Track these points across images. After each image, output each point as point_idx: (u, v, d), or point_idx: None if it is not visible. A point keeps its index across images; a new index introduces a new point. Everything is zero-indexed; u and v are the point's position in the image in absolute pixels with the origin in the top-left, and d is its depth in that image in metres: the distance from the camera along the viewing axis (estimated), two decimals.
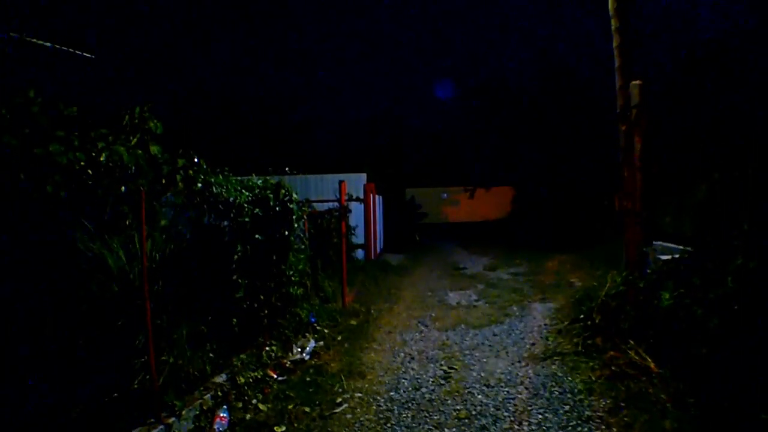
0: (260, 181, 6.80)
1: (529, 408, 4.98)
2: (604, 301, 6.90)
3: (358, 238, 15.27)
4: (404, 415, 4.96)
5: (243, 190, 6.19)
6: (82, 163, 3.45)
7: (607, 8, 7.28)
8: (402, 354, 6.79)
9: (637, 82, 6.82)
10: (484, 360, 6.42)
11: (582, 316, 7.31)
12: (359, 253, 15.39)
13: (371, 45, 52.25)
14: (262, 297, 6.35)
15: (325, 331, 7.77)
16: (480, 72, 43.10)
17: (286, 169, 8.96)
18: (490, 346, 6.98)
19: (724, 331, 4.70)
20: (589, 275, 11.28)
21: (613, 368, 5.60)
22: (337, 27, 49.43)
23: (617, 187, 7.30)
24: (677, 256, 6.70)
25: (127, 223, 4.68)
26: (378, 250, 17.66)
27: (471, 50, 49.38)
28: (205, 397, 4.82)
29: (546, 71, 25.29)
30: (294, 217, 7.03)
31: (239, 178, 6.52)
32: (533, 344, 6.95)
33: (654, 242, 7.74)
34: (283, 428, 4.80)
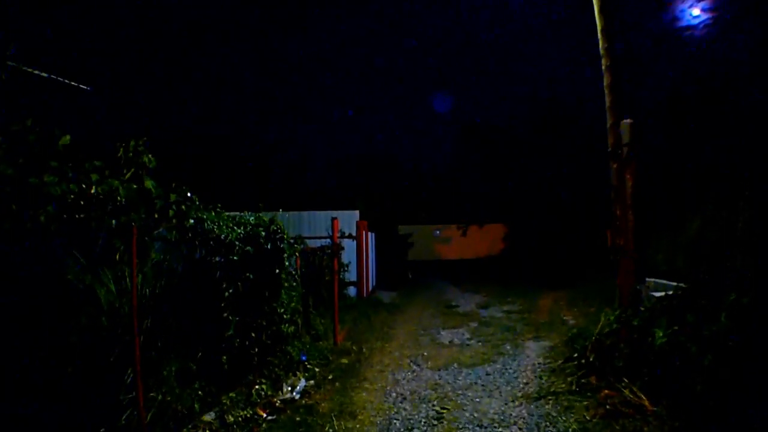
0: (252, 217, 6.79)
1: None
2: (597, 339, 6.85)
3: (351, 275, 15.16)
4: None
5: (235, 227, 6.18)
6: (72, 197, 3.44)
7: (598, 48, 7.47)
8: (394, 394, 6.67)
9: (628, 120, 6.92)
10: (477, 400, 6.32)
11: (576, 354, 7.25)
12: (351, 291, 15.27)
13: (365, 84, 53.21)
14: (252, 334, 6.27)
15: (316, 369, 7.64)
16: (473, 110, 43.93)
17: (279, 210, 8.98)
18: (483, 385, 6.88)
19: (719, 367, 4.67)
20: (583, 312, 11.23)
21: (607, 407, 5.53)
22: (332, 64, 50.35)
23: (610, 222, 7.32)
24: (670, 292, 6.70)
25: (118, 257, 4.65)
26: (370, 287, 17.55)
27: (465, 89, 50.46)
28: None
29: (537, 109, 25.81)
30: (285, 255, 7.00)
31: (231, 214, 6.51)
32: (527, 383, 6.85)
33: (647, 279, 7.74)
34: None
